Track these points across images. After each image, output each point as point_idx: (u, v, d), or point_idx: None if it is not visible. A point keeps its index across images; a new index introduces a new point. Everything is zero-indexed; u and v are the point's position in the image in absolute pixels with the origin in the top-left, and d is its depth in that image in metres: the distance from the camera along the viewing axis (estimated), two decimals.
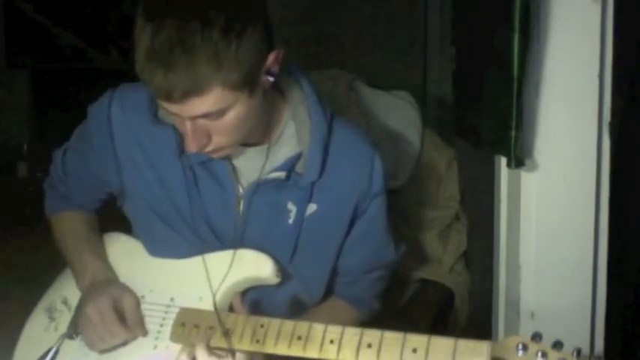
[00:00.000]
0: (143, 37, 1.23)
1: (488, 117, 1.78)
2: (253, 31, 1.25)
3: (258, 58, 1.28)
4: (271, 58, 1.31)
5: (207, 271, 1.46)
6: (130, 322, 1.46)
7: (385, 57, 3.56)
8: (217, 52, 1.21)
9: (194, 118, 1.28)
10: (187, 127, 1.30)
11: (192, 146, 1.32)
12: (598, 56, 1.74)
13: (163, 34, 1.21)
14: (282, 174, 1.45)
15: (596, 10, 1.72)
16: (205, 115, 1.28)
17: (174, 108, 1.28)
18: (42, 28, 4.93)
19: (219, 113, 1.28)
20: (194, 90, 1.23)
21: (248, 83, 1.28)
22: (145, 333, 1.47)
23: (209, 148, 1.34)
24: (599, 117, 1.78)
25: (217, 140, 1.33)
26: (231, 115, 1.30)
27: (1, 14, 4.91)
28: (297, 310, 1.56)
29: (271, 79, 1.33)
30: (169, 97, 1.25)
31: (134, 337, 1.47)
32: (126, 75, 1.55)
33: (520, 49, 1.61)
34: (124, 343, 1.47)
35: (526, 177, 1.79)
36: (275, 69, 1.33)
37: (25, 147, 4.78)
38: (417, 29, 3.60)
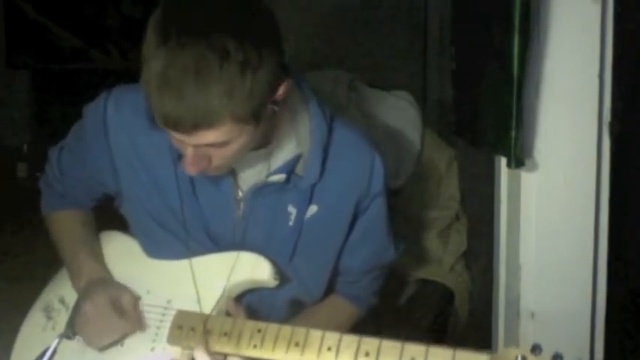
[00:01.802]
0: (156, 60, 1.19)
1: (488, 117, 1.78)
2: (268, 65, 1.22)
3: (268, 92, 1.26)
4: (281, 90, 1.29)
5: (193, 274, 1.45)
6: (128, 315, 1.46)
7: (385, 57, 3.56)
8: (232, 87, 1.19)
9: (198, 146, 1.28)
10: (188, 152, 1.29)
11: (190, 169, 1.30)
12: (598, 56, 1.74)
13: (179, 61, 1.17)
14: (281, 177, 1.45)
15: (596, 10, 1.72)
16: (210, 144, 1.27)
17: (179, 136, 1.26)
18: (42, 28, 4.93)
19: (224, 143, 1.27)
20: (204, 122, 1.21)
21: (255, 117, 1.26)
22: (143, 327, 1.47)
23: (207, 170, 1.34)
24: (599, 117, 1.78)
25: (217, 163, 1.33)
26: (234, 145, 1.29)
27: (1, 14, 4.91)
28: (297, 311, 1.56)
29: (276, 108, 1.31)
30: (177, 127, 1.22)
31: (132, 331, 1.47)
32: (126, 75, 1.55)
33: (520, 49, 1.61)
34: (122, 344, 1.47)
35: (526, 177, 1.79)
36: (281, 98, 1.31)
37: (25, 147, 4.78)
38: (417, 29, 3.61)
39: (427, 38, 3.59)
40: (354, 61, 3.40)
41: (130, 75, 1.53)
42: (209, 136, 1.24)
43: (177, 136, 1.27)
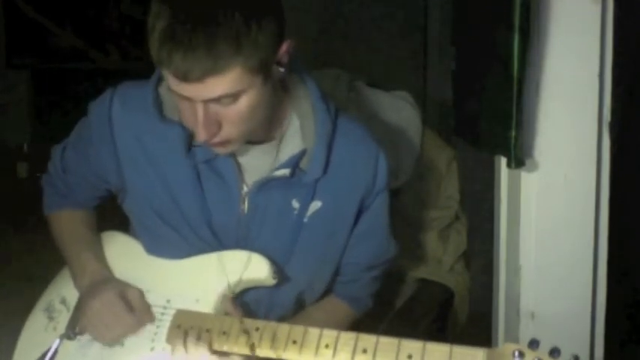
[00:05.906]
0: (160, 19, 1.23)
1: (488, 117, 1.78)
2: (270, 19, 1.27)
3: (273, 45, 1.29)
4: (284, 47, 1.32)
5: (224, 267, 1.46)
6: (137, 309, 1.47)
7: (385, 57, 3.56)
8: (238, 35, 1.22)
9: (208, 101, 1.28)
10: (199, 113, 1.29)
11: (202, 133, 1.31)
12: (598, 56, 1.74)
13: (184, 14, 1.22)
14: (286, 171, 1.45)
15: (596, 10, 1.72)
16: (219, 99, 1.28)
17: (190, 90, 1.26)
18: (42, 28, 4.94)
19: (234, 97, 1.28)
20: (214, 70, 1.23)
21: (264, 68, 1.28)
22: (152, 319, 1.48)
23: (217, 139, 1.33)
24: (599, 117, 1.78)
25: (227, 130, 1.33)
26: (244, 101, 1.30)
27: (1, 14, 4.91)
28: (297, 308, 1.57)
29: (282, 69, 1.34)
30: (187, 78, 1.24)
31: (141, 325, 1.47)
32: (126, 75, 1.55)
33: (520, 49, 1.61)
34: (122, 344, 1.47)
35: (526, 177, 1.79)
36: (285, 60, 1.34)
37: (25, 147, 4.78)
38: (417, 30, 3.61)
39: (427, 38, 3.59)
40: (354, 61, 3.41)
41: (130, 75, 1.53)
42: (219, 85, 1.25)
43: (187, 91, 1.27)
